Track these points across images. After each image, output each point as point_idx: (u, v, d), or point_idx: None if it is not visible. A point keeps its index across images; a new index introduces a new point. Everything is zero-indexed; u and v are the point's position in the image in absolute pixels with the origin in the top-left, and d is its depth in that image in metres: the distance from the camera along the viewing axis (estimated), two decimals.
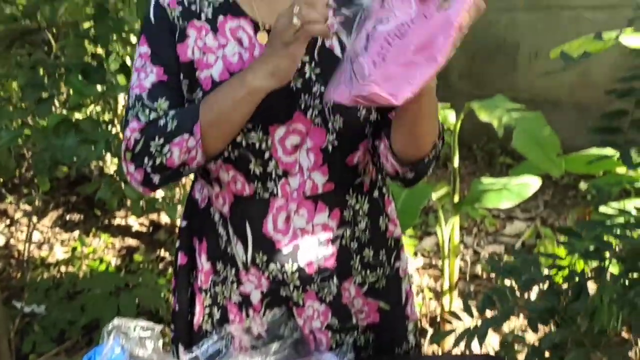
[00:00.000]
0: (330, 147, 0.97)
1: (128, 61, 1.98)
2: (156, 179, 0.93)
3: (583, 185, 2.51)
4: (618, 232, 1.02)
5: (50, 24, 1.52)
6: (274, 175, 0.98)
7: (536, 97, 3.91)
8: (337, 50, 0.96)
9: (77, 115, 2.61)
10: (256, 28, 0.95)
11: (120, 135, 2.17)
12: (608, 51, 1.54)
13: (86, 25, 1.77)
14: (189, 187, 1.17)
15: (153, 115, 0.93)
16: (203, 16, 0.96)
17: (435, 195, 1.96)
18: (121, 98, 2.36)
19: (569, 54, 1.16)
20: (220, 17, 0.96)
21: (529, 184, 2.00)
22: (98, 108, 2.95)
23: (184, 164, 0.92)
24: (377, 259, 1.09)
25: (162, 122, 0.90)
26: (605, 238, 1.03)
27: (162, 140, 0.89)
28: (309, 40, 0.87)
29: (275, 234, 1.01)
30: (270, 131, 0.95)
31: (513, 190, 1.99)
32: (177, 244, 1.14)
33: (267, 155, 0.97)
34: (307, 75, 0.94)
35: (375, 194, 1.09)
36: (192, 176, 1.12)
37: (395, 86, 0.72)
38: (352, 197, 1.05)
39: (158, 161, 0.90)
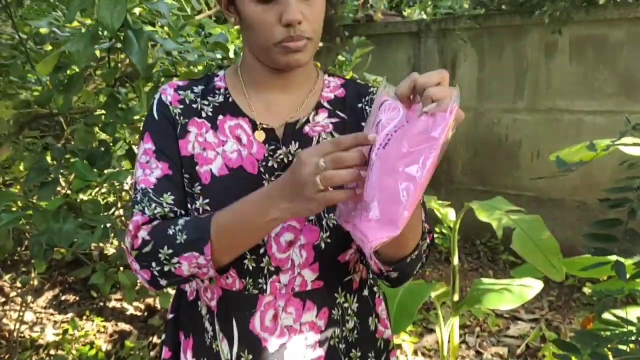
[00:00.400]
0: (322, 245, 0.97)
1: (135, 147, 2.03)
2: (163, 282, 0.92)
3: (587, 289, 2.46)
4: (617, 345, 0.99)
5: (62, 111, 1.57)
6: (265, 271, 0.98)
7: (540, 195, 3.94)
8: None
9: (82, 196, 2.65)
10: (254, 127, 0.98)
11: (123, 219, 2.19)
12: (610, 153, 1.56)
13: (97, 111, 1.84)
14: None
15: (158, 210, 0.94)
16: (204, 114, 0.99)
17: (434, 293, 1.92)
18: (126, 183, 2.40)
19: (563, 160, 1.18)
20: (220, 116, 0.99)
21: (530, 286, 1.97)
22: (104, 189, 2.99)
23: (194, 275, 0.91)
24: None
25: (170, 231, 0.89)
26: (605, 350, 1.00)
27: (170, 251, 0.89)
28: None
29: (262, 332, 0.98)
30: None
31: (514, 291, 1.95)
32: (163, 336, 1.12)
33: (262, 250, 0.96)
34: None
35: (365, 292, 1.07)
36: None
37: (389, 215, 0.71)
38: (341, 295, 1.03)
39: (166, 269, 0.90)
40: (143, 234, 0.91)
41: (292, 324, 0.99)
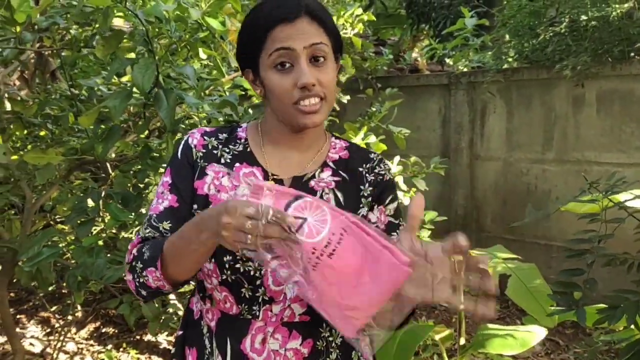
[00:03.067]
0: None
1: None
2: (143, 292, 1.09)
3: (596, 339, 2.47)
4: None
5: (101, 159, 1.80)
6: (260, 300, 1.11)
7: (569, 245, 3.93)
8: None
9: (123, 234, 2.88)
10: (265, 176, 1.14)
11: None
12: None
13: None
14: None
15: (150, 233, 1.10)
16: (223, 160, 1.15)
17: (437, 336, 2.00)
18: None
19: (533, 210, 1.29)
20: (237, 164, 1.15)
21: (534, 333, 2.02)
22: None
23: (159, 288, 1.07)
24: None
25: (144, 249, 1.07)
26: None
27: (141, 265, 1.06)
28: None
29: (251, 353, 1.12)
30: (265, 263, 1.10)
31: (518, 337, 2.01)
32: (172, 350, 1.27)
33: (258, 282, 1.10)
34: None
35: None
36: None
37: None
38: (326, 330, 1.16)
39: (141, 280, 1.06)
40: (134, 250, 1.09)
41: (278, 349, 1.12)
